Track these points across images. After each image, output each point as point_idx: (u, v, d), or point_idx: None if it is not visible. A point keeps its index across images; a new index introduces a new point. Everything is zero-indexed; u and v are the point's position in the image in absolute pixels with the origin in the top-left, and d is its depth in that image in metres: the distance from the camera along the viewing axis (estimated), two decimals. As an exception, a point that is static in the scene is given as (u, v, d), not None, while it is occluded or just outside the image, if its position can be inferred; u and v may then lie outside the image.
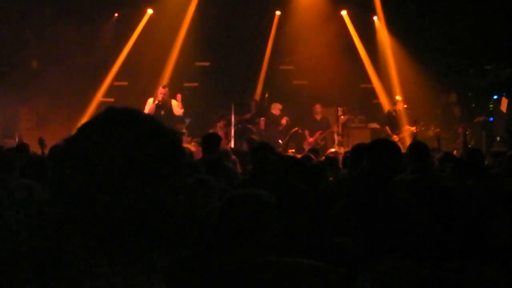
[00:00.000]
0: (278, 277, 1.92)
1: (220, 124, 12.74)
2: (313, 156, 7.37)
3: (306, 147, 12.59)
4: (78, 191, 1.01)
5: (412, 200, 2.74)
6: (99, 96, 14.08)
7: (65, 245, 1.05)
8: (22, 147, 7.08)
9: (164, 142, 1.08)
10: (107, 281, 1.05)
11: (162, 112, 11.29)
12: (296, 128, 13.11)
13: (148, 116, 1.13)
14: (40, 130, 11.99)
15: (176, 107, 11.72)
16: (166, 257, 1.13)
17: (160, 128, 1.10)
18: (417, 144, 5.19)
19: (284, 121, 13.15)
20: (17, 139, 10.72)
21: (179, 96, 11.91)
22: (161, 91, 11.56)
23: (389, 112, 13.22)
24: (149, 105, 11.34)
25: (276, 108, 13.36)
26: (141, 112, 1.13)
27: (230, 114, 12.86)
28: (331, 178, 5.87)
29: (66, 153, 1.06)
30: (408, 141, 12.39)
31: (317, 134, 13.00)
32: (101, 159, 1.01)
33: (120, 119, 1.08)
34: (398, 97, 13.11)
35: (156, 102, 11.39)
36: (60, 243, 1.05)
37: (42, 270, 1.03)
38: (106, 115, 1.10)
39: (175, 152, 1.10)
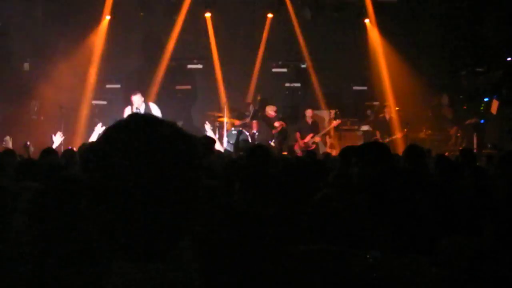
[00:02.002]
0: (296, 264, 2.00)
1: (208, 125, 12.71)
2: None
3: (298, 150, 12.63)
4: (104, 190, 1.07)
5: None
6: (91, 98, 14.04)
7: (83, 240, 1.08)
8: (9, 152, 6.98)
9: (186, 143, 1.14)
10: (127, 276, 1.08)
11: None
12: (282, 124, 13.15)
13: (169, 121, 1.19)
14: (31, 132, 11.95)
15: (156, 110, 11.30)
16: (186, 254, 1.16)
17: (180, 130, 1.17)
18: (412, 147, 5.22)
19: (278, 124, 13.15)
20: (7, 142, 10.61)
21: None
22: (134, 99, 11.08)
23: (379, 118, 13.29)
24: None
25: (271, 110, 13.33)
26: (162, 118, 1.19)
27: (223, 117, 12.86)
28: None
29: (94, 153, 1.11)
30: (395, 145, 12.47)
31: (308, 137, 13.01)
32: (127, 159, 1.07)
33: (144, 122, 1.14)
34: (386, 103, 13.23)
35: (135, 110, 10.89)
36: (79, 239, 1.09)
37: (62, 266, 1.07)
38: (131, 118, 1.16)
39: (196, 152, 1.16)
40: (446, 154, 11.84)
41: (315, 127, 13.24)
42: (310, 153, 8.39)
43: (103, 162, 1.08)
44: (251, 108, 13.48)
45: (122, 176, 1.06)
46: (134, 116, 1.17)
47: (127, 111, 11.16)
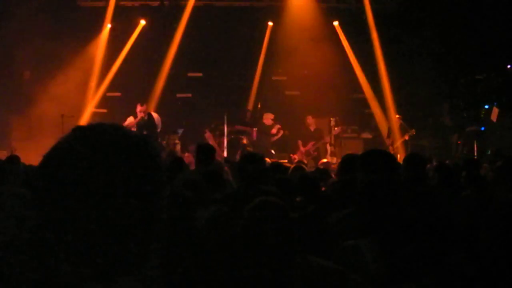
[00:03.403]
0: (305, 276, 2.02)
1: (208, 134, 12.70)
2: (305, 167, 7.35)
3: (299, 157, 12.58)
4: (58, 210, 1.04)
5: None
6: (92, 106, 14.06)
7: (52, 261, 1.05)
8: (13, 159, 6.99)
9: (131, 149, 1.10)
10: None
11: (145, 132, 11.27)
12: (280, 129, 13.17)
13: (113, 127, 1.14)
14: (32, 140, 11.96)
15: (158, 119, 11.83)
16: (158, 268, 1.13)
17: (125, 137, 1.12)
18: (413, 155, 5.22)
19: (275, 130, 13.16)
20: (12, 150, 10.62)
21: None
22: (140, 109, 11.62)
23: (389, 126, 13.29)
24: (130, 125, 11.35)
25: (268, 118, 13.33)
26: (106, 125, 1.15)
27: (223, 125, 12.86)
28: (323, 189, 5.87)
29: (42, 176, 1.08)
30: (401, 150, 12.47)
31: (310, 145, 13.00)
32: (75, 177, 1.04)
33: (85, 136, 1.10)
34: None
35: (138, 120, 11.53)
36: (46, 259, 1.05)
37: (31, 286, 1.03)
38: (73, 133, 1.12)
39: (144, 157, 1.11)
40: (447, 161, 11.89)
41: (318, 134, 13.22)
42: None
43: (49, 183, 1.05)
44: (249, 115, 13.49)
45: (71, 194, 1.03)
46: (76, 129, 1.13)
47: (130, 121, 11.44)
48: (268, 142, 13.12)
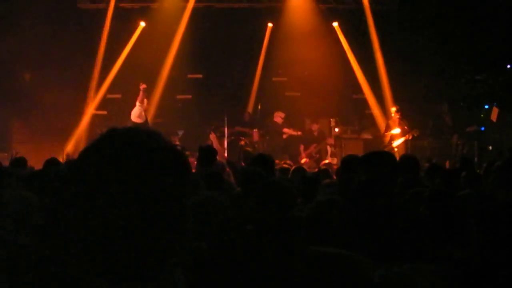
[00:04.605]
0: (321, 265, 2.06)
1: (213, 135, 12.72)
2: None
3: (301, 161, 12.55)
4: (83, 213, 1.04)
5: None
6: (92, 108, 14.07)
7: (66, 264, 1.05)
8: (20, 162, 6.97)
9: (166, 158, 1.10)
10: None
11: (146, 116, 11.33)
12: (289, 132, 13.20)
13: (149, 134, 1.13)
14: (33, 143, 11.98)
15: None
16: (175, 274, 1.14)
17: (161, 145, 1.12)
18: (406, 157, 5.24)
19: (286, 130, 13.20)
20: (14, 153, 10.62)
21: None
22: (144, 87, 11.25)
23: (388, 123, 13.28)
24: (138, 110, 11.19)
25: (278, 117, 13.33)
26: (141, 130, 1.15)
27: (223, 126, 12.87)
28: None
29: (73, 176, 1.08)
30: (401, 150, 12.46)
31: (312, 147, 12.99)
32: (107, 180, 1.04)
33: (121, 140, 1.10)
34: (393, 109, 13.08)
35: (144, 105, 11.29)
36: (61, 262, 1.06)
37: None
38: (108, 136, 1.12)
39: (178, 168, 1.11)
40: (447, 162, 11.89)
41: (320, 137, 13.24)
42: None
43: (79, 185, 1.05)
44: (249, 116, 13.49)
45: (100, 197, 1.03)
46: (111, 131, 1.13)
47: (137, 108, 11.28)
48: (280, 140, 13.13)
